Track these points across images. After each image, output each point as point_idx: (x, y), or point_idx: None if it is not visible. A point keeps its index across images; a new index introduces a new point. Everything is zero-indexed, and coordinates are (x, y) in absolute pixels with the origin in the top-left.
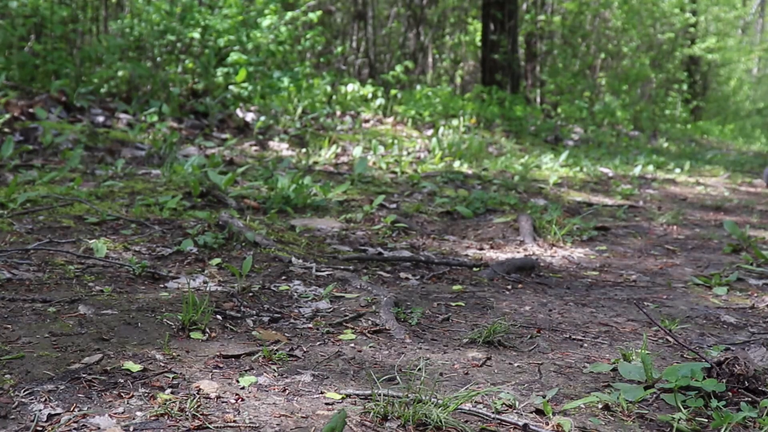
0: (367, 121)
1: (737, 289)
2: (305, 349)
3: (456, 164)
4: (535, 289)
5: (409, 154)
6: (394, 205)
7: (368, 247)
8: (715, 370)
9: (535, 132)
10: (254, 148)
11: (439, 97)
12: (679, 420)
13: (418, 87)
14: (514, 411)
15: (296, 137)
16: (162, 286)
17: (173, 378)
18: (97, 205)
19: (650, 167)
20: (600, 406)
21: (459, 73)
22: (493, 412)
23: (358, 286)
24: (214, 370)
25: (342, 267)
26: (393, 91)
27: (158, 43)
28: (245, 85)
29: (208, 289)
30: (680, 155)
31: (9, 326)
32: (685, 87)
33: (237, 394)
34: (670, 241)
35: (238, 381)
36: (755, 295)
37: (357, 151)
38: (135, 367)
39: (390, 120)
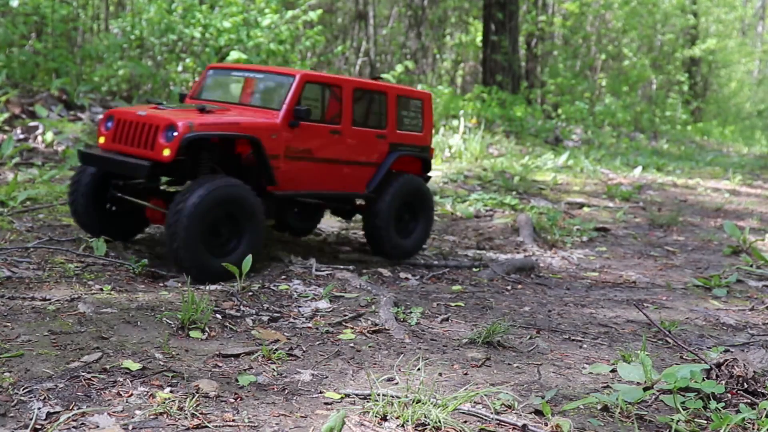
0: None
1: (737, 290)
2: (304, 349)
3: (456, 164)
4: (535, 289)
5: None
6: None
7: (368, 246)
8: (714, 371)
9: (535, 133)
10: None
11: (439, 98)
12: (678, 421)
13: (419, 87)
14: (513, 411)
15: None
16: (162, 284)
17: (172, 377)
18: None
19: (651, 169)
20: (599, 407)
21: (460, 73)
22: (492, 413)
23: (358, 286)
24: (213, 369)
25: (342, 267)
26: None
27: (159, 41)
28: None
29: (207, 288)
30: (680, 157)
31: (8, 324)
32: (685, 88)
33: (236, 394)
34: (670, 242)
35: (237, 380)
36: (755, 296)
37: None
38: (134, 366)
39: None
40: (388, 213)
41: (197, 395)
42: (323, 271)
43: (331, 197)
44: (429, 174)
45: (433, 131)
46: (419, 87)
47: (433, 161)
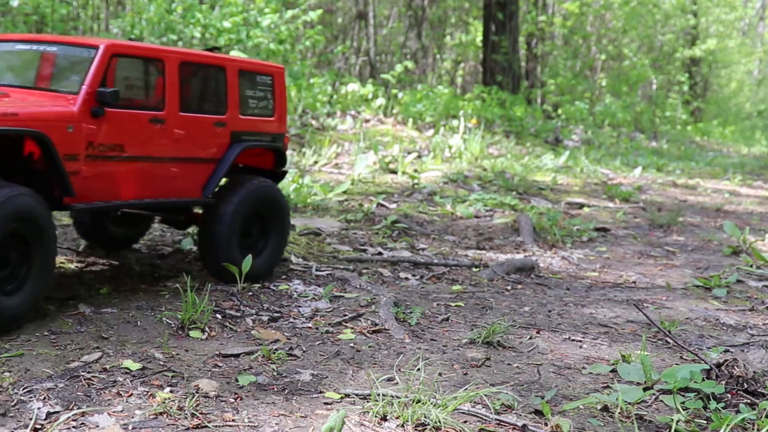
0: (367, 121)
1: (737, 290)
2: (304, 349)
3: (456, 165)
4: (535, 289)
5: (409, 154)
6: (394, 205)
7: (368, 246)
8: (714, 371)
9: (535, 133)
10: None
11: (439, 98)
12: (678, 421)
13: (419, 87)
14: (513, 411)
15: (296, 136)
16: (161, 284)
17: (172, 377)
18: None
19: (651, 169)
20: (599, 407)
21: (460, 73)
22: (492, 413)
23: (358, 286)
24: (213, 369)
25: (342, 266)
26: (394, 91)
27: (159, 41)
28: None
29: (207, 287)
30: (681, 157)
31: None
32: (685, 88)
33: (236, 393)
34: (670, 242)
35: (237, 380)
36: (755, 297)
37: (357, 151)
38: (134, 366)
39: (390, 120)
40: (230, 225)
41: (197, 395)
42: (323, 271)
43: (156, 206)
44: (285, 169)
45: (433, 131)
46: (419, 87)
47: (432, 161)
